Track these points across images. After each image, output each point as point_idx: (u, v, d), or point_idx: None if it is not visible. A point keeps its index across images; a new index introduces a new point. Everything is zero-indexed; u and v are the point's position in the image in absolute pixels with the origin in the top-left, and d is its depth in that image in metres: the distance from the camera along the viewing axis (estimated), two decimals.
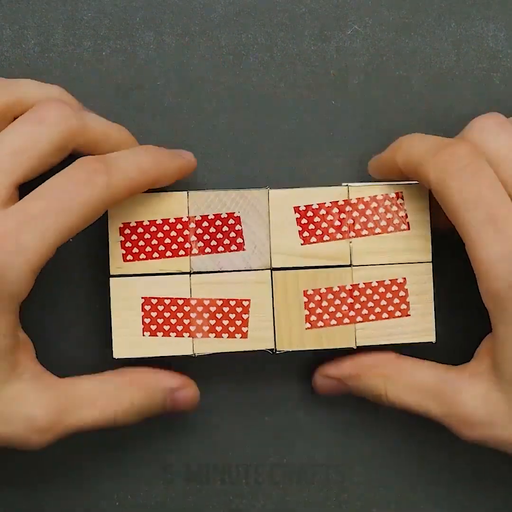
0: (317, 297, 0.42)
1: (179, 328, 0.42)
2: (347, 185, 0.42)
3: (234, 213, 0.42)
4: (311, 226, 0.42)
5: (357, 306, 0.42)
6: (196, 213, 0.42)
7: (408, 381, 0.41)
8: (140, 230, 0.42)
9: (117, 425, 0.41)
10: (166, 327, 0.42)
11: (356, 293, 0.42)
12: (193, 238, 0.42)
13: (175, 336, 0.42)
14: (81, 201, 0.38)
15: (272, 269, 0.42)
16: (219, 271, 0.42)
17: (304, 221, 0.42)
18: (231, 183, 0.45)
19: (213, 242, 0.42)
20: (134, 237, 0.42)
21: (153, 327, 0.42)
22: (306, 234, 0.42)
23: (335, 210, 0.42)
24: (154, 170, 0.40)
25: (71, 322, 0.45)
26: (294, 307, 0.42)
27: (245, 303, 0.42)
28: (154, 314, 0.42)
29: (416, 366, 0.41)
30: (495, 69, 0.46)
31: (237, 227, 0.42)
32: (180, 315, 0.42)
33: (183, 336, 0.42)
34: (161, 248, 0.42)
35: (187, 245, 0.42)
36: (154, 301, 0.42)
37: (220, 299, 0.42)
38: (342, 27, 0.45)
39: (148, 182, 0.40)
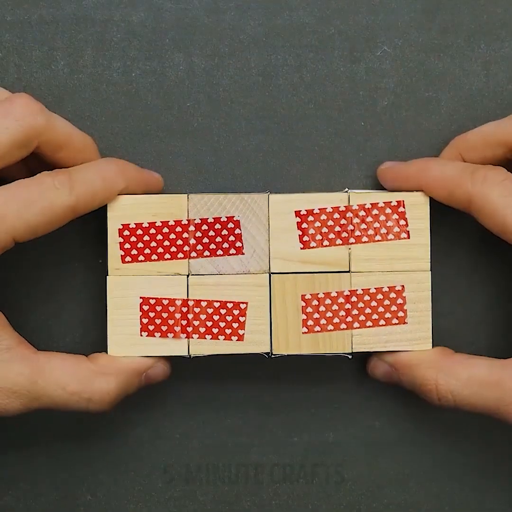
0: (315, 302, 0.42)
1: (177, 328, 0.42)
2: (347, 191, 0.42)
3: (233, 216, 0.42)
4: (312, 231, 0.42)
5: (355, 312, 0.42)
6: (195, 216, 0.42)
7: (462, 374, 0.41)
8: (139, 231, 0.42)
9: (90, 411, 0.41)
10: (164, 328, 0.42)
11: (353, 299, 0.42)
12: (192, 241, 0.42)
13: (172, 337, 0.42)
14: (44, 202, 0.39)
15: (271, 273, 0.42)
16: (217, 274, 0.42)
17: (304, 225, 0.42)
18: None
19: (212, 246, 0.42)
20: (133, 238, 0.42)
21: (151, 327, 0.42)
22: (306, 238, 0.42)
23: (336, 215, 0.42)
24: (119, 180, 0.41)
25: (69, 321, 0.46)
26: (291, 311, 0.42)
27: (242, 306, 0.42)
28: (152, 314, 0.42)
29: (470, 360, 0.42)
30: None
31: (237, 231, 0.42)
32: (177, 315, 0.42)
33: (180, 337, 0.42)
34: (160, 250, 0.42)
35: (186, 248, 0.42)
36: (152, 301, 0.42)
37: (217, 301, 0.42)
38: (372, 48, 0.45)
39: (113, 192, 0.41)
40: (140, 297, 0.42)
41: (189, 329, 0.42)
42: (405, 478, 0.46)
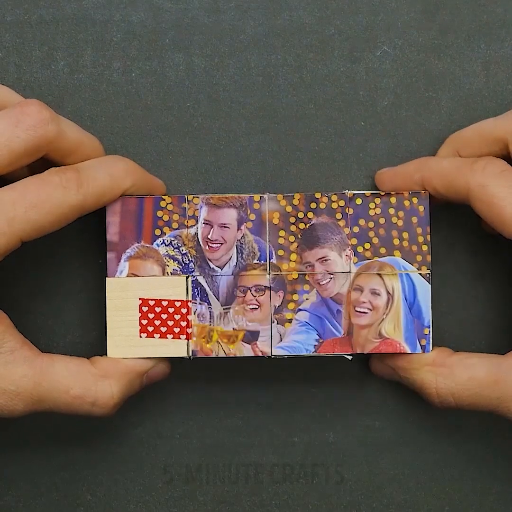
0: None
1: (176, 330, 0.42)
2: (346, 192, 0.42)
3: None
4: None
5: None
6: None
7: (461, 376, 0.41)
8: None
9: (92, 415, 0.41)
10: (163, 329, 0.42)
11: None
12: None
13: (172, 338, 0.42)
14: (52, 202, 0.39)
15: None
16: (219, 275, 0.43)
17: None
18: None
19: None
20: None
21: (150, 329, 0.42)
22: None
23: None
24: (126, 179, 0.41)
25: (69, 321, 0.46)
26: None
27: None
28: (151, 315, 0.42)
29: (468, 360, 0.41)
30: None
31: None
32: (177, 317, 0.42)
33: (180, 338, 0.42)
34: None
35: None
36: (151, 303, 0.42)
37: None
38: (372, 48, 0.45)
39: (119, 190, 0.41)
40: (139, 299, 0.42)
41: (189, 330, 0.42)
42: (405, 478, 0.46)
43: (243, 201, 0.42)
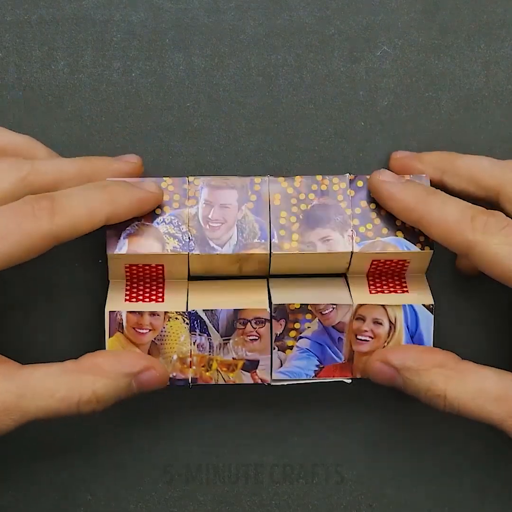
0: None
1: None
2: (347, 175, 0.42)
3: None
4: None
5: None
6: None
7: (472, 385, 0.41)
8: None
9: (82, 414, 0.40)
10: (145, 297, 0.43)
11: None
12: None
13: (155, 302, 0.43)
14: (21, 233, 0.38)
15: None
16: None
17: None
18: None
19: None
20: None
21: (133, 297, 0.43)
22: None
23: None
24: (105, 210, 0.40)
25: (69, 321, 0.46)
26: None
27: None
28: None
29: (480, 371, 0.41)
30: None
31: None
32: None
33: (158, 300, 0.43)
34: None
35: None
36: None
37: None
38: (372, 48, 0.45)
39: (96, 221, 0.40)
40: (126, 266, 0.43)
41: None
42: (405, 478, 0.46)
43: (245, 183, 0.42)
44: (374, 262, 0.43)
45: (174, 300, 0.42)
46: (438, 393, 0.41)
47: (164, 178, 0.42)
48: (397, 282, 0.43)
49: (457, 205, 0.41)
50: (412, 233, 0.42)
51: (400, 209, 0.41)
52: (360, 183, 0.42)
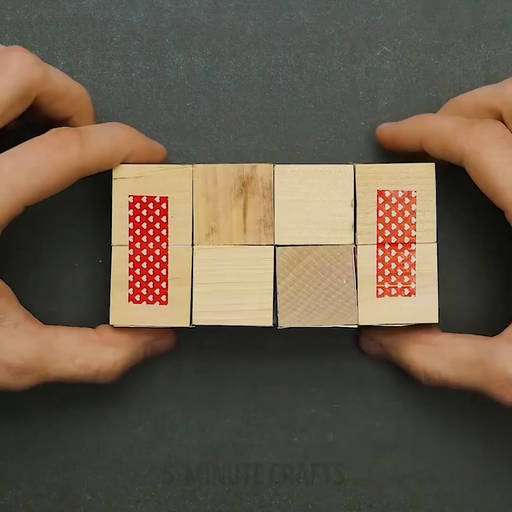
0: None
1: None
2: (353, 163, 0.42)
3: None
4: None
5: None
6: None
7: (448, 355, 0.41)
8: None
9: (97, 381, 0.41)
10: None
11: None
12: None
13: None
14: (52, 165, 0.39)
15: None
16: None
17: None
18: None
19: None
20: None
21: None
22: None
23: None
24: (127, 144, 0.41)
25: (69, 321, 0.45)
26: None
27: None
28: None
29: (455, 340, 0.42)
30: None
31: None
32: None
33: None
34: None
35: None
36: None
37: None
38: (372, 48, 0.45)
39: (120, 155, 0.41)
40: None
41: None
42: (405, 478, 0.46)
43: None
44: (380, 200, 0.42)
45: (178, 304, 0.42)
46: (417, 369, 0.42)
47: None
48: (406, 273, 0.42)
49: (454, 118, 0.41)
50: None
51: (403, 139, 0.42)
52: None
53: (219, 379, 0.46)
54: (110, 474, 0.46)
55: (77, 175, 0.40)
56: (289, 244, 0.42)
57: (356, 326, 0.41)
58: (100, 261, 0.45)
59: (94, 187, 0.44)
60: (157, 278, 0.42)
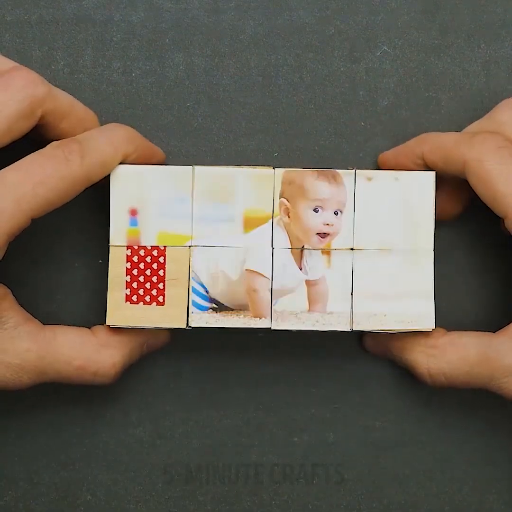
0: None
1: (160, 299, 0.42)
2: (354, 169, 0.42)
3: None
4: None
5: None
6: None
7: (453, 357, 0.41)
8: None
9: (95, 383, 0.42)
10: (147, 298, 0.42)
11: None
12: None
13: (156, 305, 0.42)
14: (57, 177, 0.39)
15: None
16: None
17: None
18: None
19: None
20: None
21: (134, 298, 0.42)
22: None
23: None
24: (127, 145, 0.41)
25: (69, 320, 0.45)
26: None
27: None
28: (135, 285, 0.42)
29: (459, 341, 0.42)
30: None
31: None
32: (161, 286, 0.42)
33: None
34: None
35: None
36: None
37: None
38: (372, 48, 0.45)
39: (122, 156, 0.41)
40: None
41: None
42: (405, 478, 0.46)
43: None
44: None
45: (175, 305, 0.42)
46: (422, 371, 0.42)
47: None
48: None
49: (456, 133, 0.42)
50: None
51: (404, 156, 0.43)
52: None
53: (219, 379, 0.46)
54: (110, 474, 0.46)
55: (81, 185, 0.40)
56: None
57: (349, 331, 0.42)
58: (100, 261, 0.45)
59: (94, 187, 0.44)
60: (154, 278, 0.42)
